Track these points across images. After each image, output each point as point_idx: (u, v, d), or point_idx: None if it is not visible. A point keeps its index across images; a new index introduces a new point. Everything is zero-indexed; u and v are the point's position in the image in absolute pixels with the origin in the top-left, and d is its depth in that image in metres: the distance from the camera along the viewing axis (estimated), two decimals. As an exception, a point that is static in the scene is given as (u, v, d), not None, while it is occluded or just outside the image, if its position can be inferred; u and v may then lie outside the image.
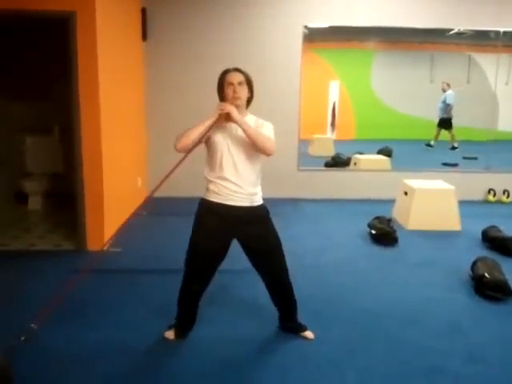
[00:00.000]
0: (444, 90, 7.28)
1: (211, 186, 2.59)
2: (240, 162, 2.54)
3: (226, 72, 2.61)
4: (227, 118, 2.46)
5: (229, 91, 2.55)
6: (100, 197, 4.33)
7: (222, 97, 2.61)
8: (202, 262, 2.66)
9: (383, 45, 7.10)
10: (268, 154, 2.51)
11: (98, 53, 4.12)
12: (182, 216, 5.46)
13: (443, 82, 7.22)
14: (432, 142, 7.73)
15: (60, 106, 5.73)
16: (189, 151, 2.49)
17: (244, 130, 2.45)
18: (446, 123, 7.55)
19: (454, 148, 7.66)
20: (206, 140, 2.57)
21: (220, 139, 2.55)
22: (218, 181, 2.56)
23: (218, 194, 2.57)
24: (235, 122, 2.45)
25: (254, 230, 2.64)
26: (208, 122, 2.48)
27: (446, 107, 7.40)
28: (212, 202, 2.59)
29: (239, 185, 2.55)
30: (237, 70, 2.61)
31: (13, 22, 5.53)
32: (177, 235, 4.95)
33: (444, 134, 7.67)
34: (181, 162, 2.55)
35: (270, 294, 2.89)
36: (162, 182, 2.59)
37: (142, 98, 6.27)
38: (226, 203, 2.57)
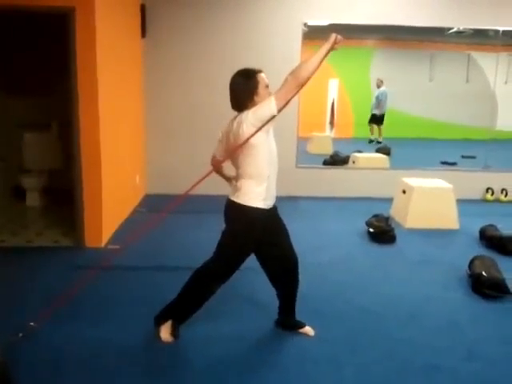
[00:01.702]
0: (378, 87, 7.34)
1: None
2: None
3: (257, 72, 2.62)
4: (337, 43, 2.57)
5: (266, 94, 2.59)
6: (98, 193, 4.32)
7: (252, 97, 2.58)
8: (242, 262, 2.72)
9: (383, 43, 7.10)
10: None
11: (97, 49, 4.10)
12: (181, 213, 5.48)
13: (378, 79, 7.29)
14: (373, 138, 7.87)
15: (59, 102, 5.72)
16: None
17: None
18: (377, 119, 7.65)
19: (378, 142, 7.86)
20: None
21: None
22: None
23: None
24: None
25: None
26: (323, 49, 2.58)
27: (378, 103, 7.46)
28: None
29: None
30: (261, 71, 2.64)
31: (12, 18, 5.51)
32: (176, 233, 4.95)
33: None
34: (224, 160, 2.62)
35: (278, 285, 2.86)
36: (200, 180, 2.64)
37: (141, 95, 6.25)
38: None
